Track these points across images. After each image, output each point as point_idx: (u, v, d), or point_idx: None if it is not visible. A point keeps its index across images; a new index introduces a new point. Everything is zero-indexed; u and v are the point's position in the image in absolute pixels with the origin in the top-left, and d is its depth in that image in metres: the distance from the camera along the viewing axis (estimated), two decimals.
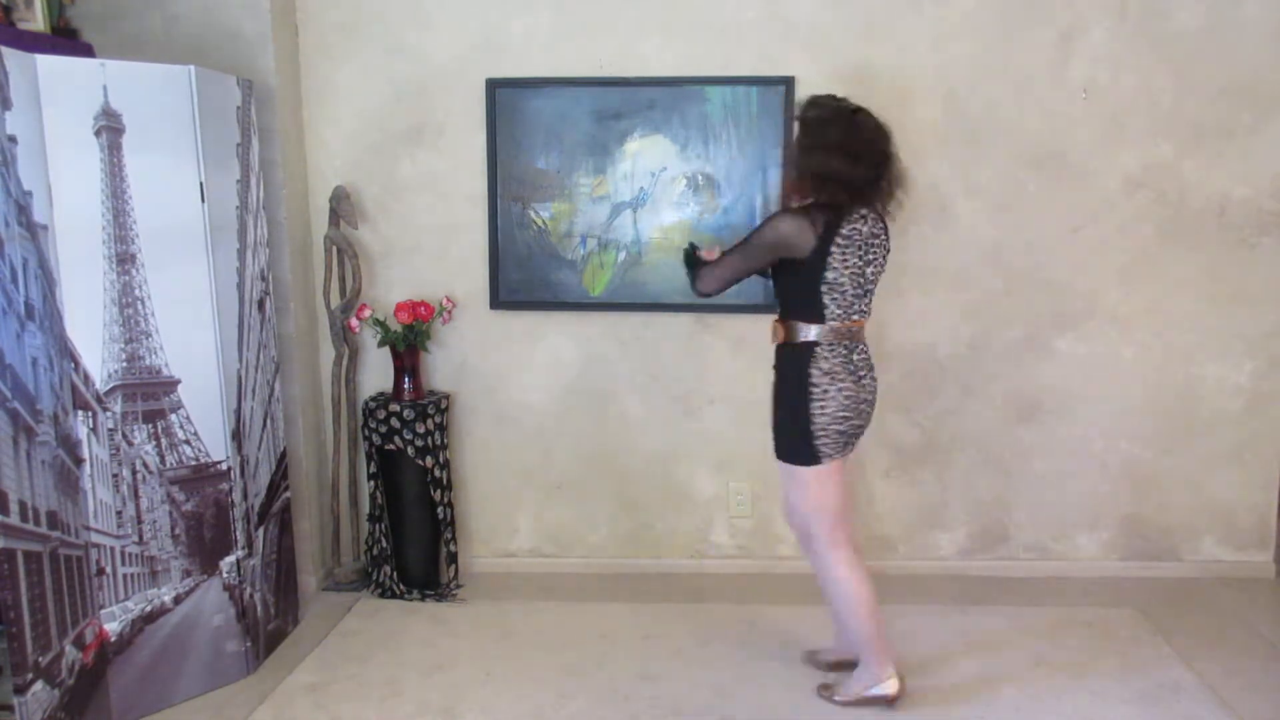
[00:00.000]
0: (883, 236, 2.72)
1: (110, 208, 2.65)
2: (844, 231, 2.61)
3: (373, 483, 3.57)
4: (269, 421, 3.22)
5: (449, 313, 3.59)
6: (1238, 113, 3.46)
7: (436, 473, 3.54)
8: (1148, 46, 3.43)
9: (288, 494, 3.36)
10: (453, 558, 3.62)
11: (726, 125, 3.50)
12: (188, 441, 2.87)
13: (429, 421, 3.50)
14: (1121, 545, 3.76)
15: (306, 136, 3.60)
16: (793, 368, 2.69)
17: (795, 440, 2.70)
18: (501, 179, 3.57)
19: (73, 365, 2.60)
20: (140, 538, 2.79)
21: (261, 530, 3.15)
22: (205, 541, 2.93)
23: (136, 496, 2.77)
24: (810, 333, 2.66)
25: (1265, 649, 3.20)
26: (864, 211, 2.66)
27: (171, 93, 2.74)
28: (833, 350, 2.66)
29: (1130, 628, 3.32)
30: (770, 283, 2.85)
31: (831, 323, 2.65)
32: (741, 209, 3.54)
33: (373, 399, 3.58)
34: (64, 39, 3.00)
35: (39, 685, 2.48)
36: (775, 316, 2.77)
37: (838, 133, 2.62)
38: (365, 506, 3.73)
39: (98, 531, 2.68)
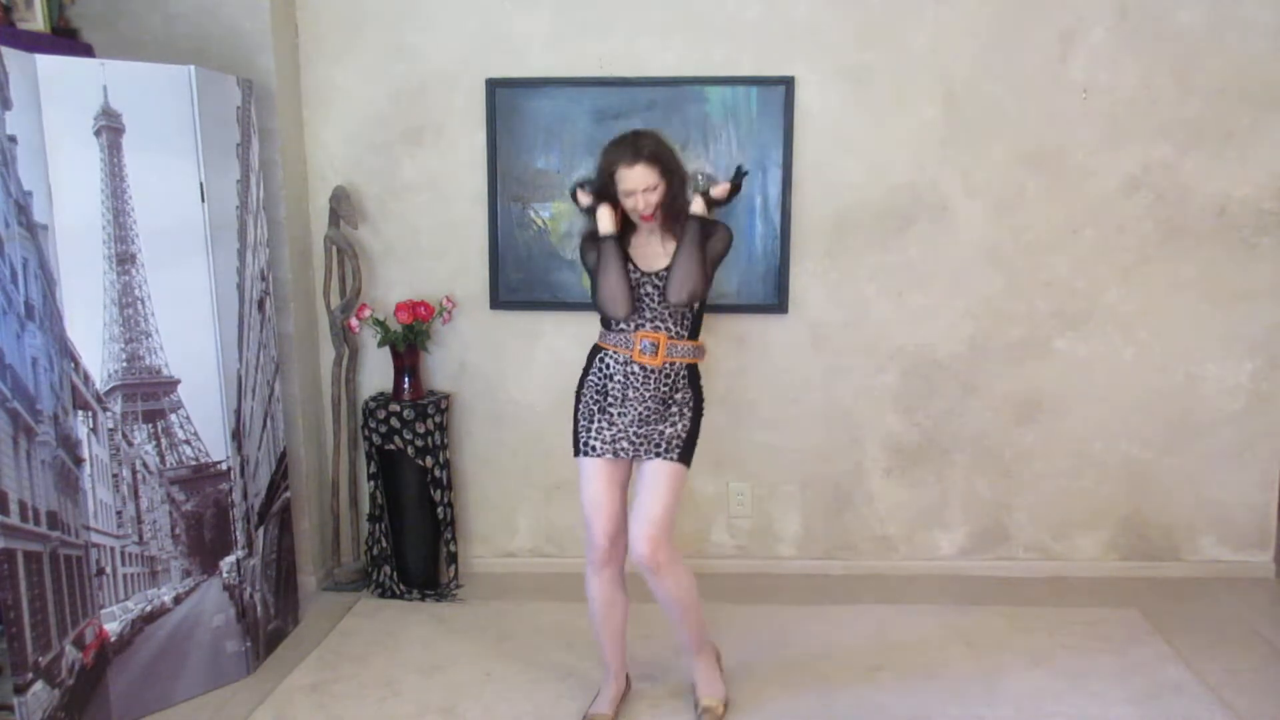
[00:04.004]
0: None
1: (110, 208, 2.65)
2: None
3: (373, 483, 3.57)
4: (269, 421, 3.22)
5: (449, 313, 3.59)
6: (1238, 113, 3.46)
7: (436, 473, 3.54)
8: (1148, 46, 3.43)
9: (288, 494, 3.36)
10: (453, 558, 3.62)
11: (726, 125, 3.49)
12: (188, 441, 2.87)
13: (429, 421, 3.50)
14: (1121, 545, 3.76)
15: (306, 136, 3.60)
16: (696, 380, 2.74)
17: (693, 444, 2.72)
18: (501, 179, 3.57)
19: (73, 365, 2.60)
20: (140, 538, 2.79)
21: (261, 530, 3.15)
22: (205, 541, 2.93)
23: (136, 496, 2.77)
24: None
25: (1265, 649, 3.20)
26: None
27: (171, 93, 2.74)
28: None
29: (1130, 628, 3.32)
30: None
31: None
32: (741, 209, 3.53)
33: (373, 399, 3.58)
34: (64, 39, 2.99)
35: (39, 685, 2.48)
36: (678, 335, 2.67)
37: None
38: (365, 506, 3.73)
39: (98, 531, 2.68)
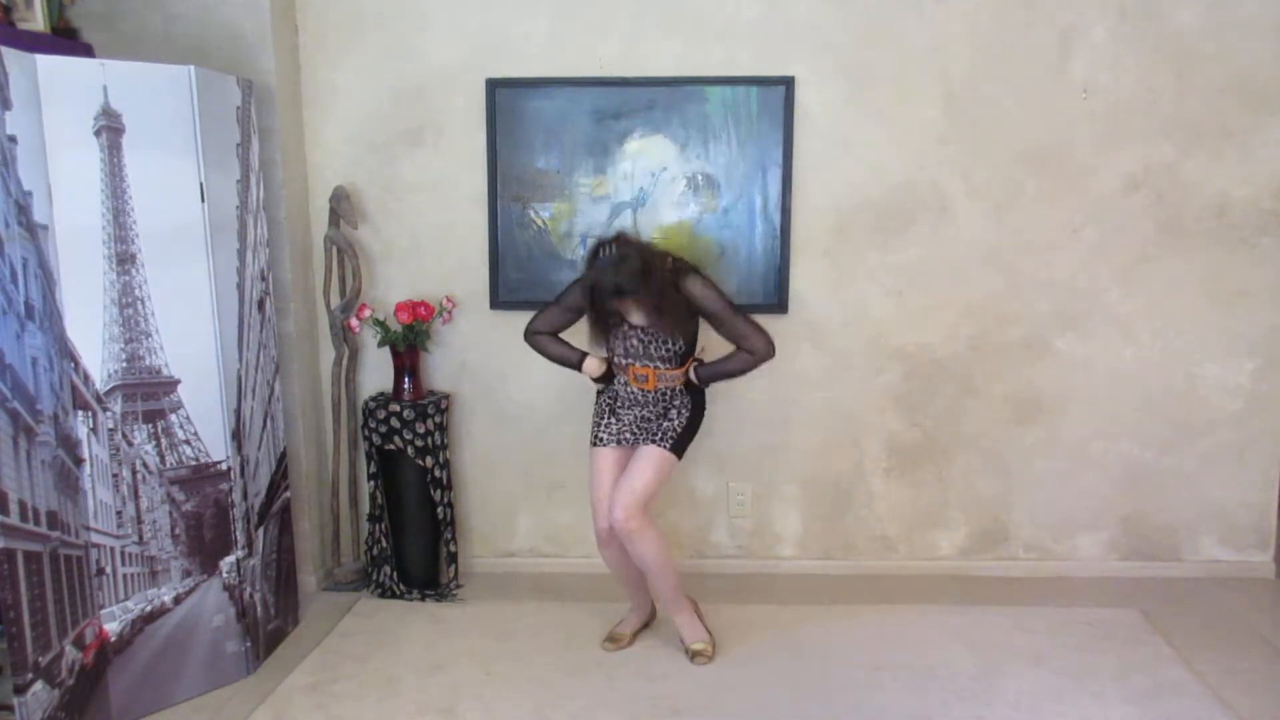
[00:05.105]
0: None
1: (110, 208, 2.65)
2: None
3: (373, 483, 3.57)
4: (269, 421, 3.22)
5: (449, 313, 3.59)
6: (1238, 113, 3.46)
7: (436, 473, 3.54)
8: (1148, 46, 3.43)
9: (288, 494, 3.36)
10: (453, 558, 3.62)
11: (726, 125, 3.49)
12: (188, 441, 2.87)
13: (429, 421, 3.50)
14: (1121, 545, 3.76)
15: (306, 136, 3.60)
16: (700, 397, 3.12)
17: (688, 439, 3.09)
18: (501, 179, 3.57)
19: (73, 365, 2.60)
20: (140, 538, 2.79)
21: (261, 530, 3.15)
22: (205, 541, 2.93)
23: (136, 496, 2.77)
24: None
25: (1265, 649, 3.20)
26: None
27: (171, 93, 2.74)
28: None
29: (1130, 628, 3.32)
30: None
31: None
32: (742, 209, 3.54)
33: (373, 399, 3.58)
34: (64, 39, 2.99)
35: (39, 685, 2.48)
36: (666, 368, 3.01)
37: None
38: (365, 506, 3.73)
39: (98, 531, 2.68)
